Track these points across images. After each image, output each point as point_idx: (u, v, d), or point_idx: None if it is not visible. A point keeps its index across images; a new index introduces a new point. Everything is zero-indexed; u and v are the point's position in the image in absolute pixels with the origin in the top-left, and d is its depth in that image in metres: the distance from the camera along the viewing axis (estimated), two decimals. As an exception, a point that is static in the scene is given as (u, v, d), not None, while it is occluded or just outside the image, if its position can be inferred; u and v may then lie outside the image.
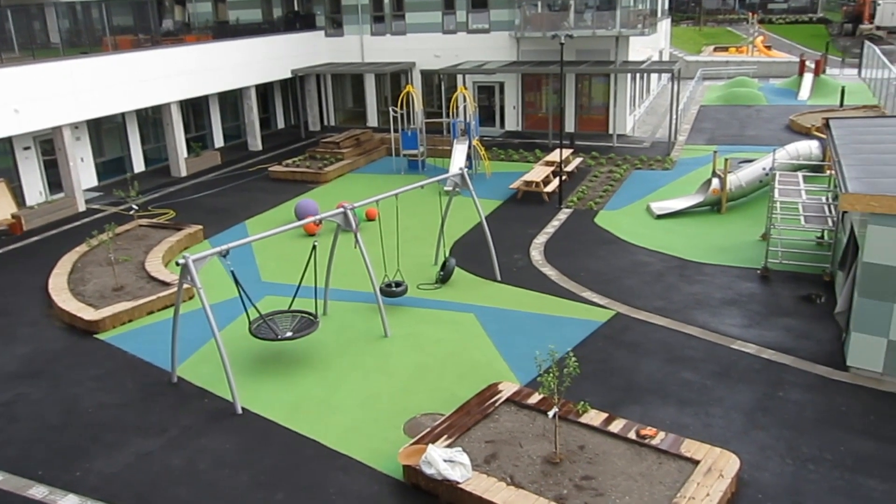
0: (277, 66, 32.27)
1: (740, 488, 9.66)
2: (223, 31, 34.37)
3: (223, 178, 27.32)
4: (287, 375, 13.06)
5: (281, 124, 36.50)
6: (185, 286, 12.20)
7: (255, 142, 31.93)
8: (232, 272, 12.32)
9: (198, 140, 30.18)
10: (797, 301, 15.28)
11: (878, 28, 68.88)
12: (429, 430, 10.72)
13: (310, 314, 13.60)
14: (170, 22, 37.25)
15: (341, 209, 13.93)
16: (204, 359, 13.64)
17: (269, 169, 27.41)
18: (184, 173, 27.82)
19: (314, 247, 13.39)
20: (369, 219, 20.87)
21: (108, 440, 11.38)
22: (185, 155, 28.13)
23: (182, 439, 11.31)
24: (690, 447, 10.05)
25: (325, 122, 36.47)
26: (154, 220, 21.36)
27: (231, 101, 32.51)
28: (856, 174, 12.82)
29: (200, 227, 20.56)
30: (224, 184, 26.52)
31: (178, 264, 11.74)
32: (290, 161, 28.27)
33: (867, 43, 46.78)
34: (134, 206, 20.27)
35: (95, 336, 14.85)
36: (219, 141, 32.03)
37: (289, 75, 33.07)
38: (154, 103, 26.25)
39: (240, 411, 11.92)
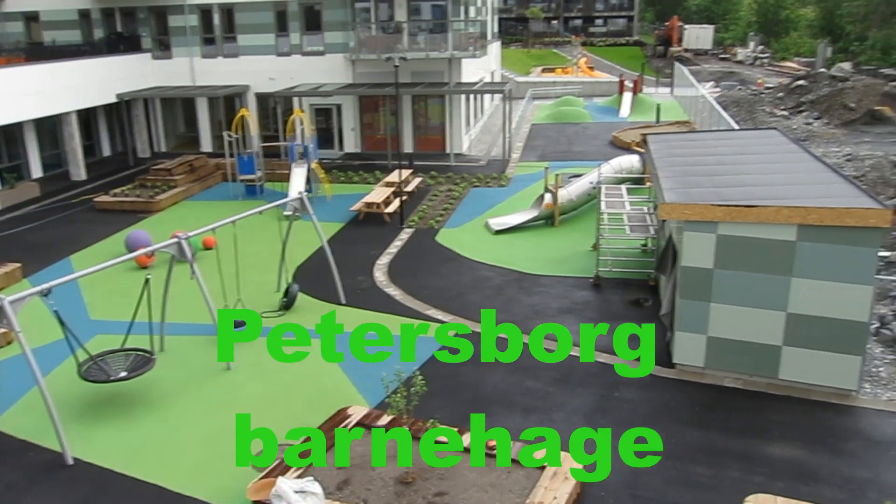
0: (100, 89, 30.54)
1: (585, 488, 10.11)
2: (38, 52, 32.15)
3: (43, 211, 25.45)
4: (123, 418, 12.32)
5: (107, 151, 34.51)
6: (2, 330, 11.25)
7: (79, 171, 30.01)
8: (56, 312, 11.50)
9: (12, 170, 27.96)
10: (627, 306, 16.26)
11: (686, 50, 75.12)
12: (279, 461, 10.47)
13: (145, 351, 12.95)
14: (-26, 44, 34.45)
15: (175, 239, 13.39)
16: (27, 408, 12.60)
17: (96, 199, 25.83)
18: (-3, 207, 25.72)
19: (147, 280, 12.79)
20: (206, 247, 20.13)
21: (-85, 507, 10.27)
22: (-2, 187, 26.06)
23: (2, 501, 10.37)
24: (537, 454, 10.40)
25: (156, 149, 34.90)
26: (-37, 260, 19.56)
27: (49, 127, 30.37)
28: (671, 185, 13.86)
29: (18, 264, 19.00)
30: (44, 217, 24.71)
31: (-8, 307, 10.81)
32: (118, 190, 26.80)
33: (677, 64, 50.90)
34: (-61, 246, 18.48)
35: None
36: (37, 171, 29.77)
37: (114, 100, 31.38)
38: (-41, 132, 24.14)
39: (71, 462, 11.11)
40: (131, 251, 17.65)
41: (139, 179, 27.84)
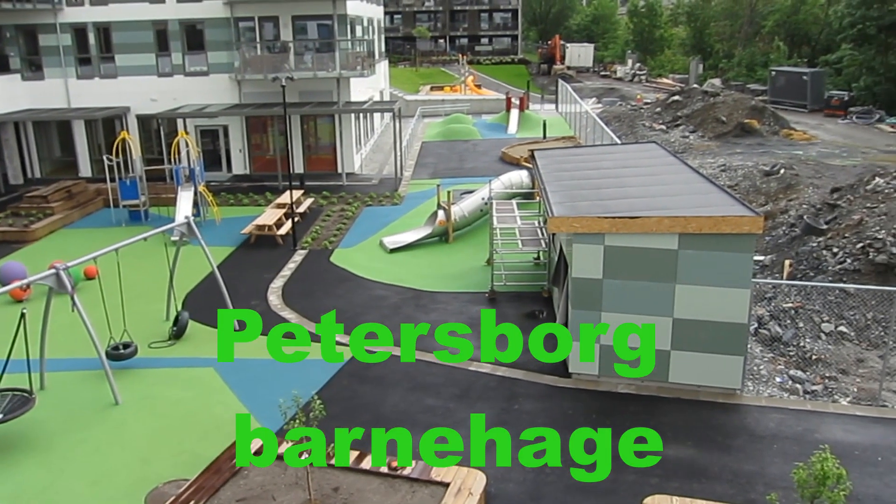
0: (-36, 114, 28.73)
1: (489, 502, 10.17)
2: None
3: None
4: (0, 464, 11.51)
5: (-26, 179, 32.41)
6: None
7: (-58, 201, 28.08)
8: (-81, 354, 10.69)
9: None
10: (522, 318, 16.53)
11: (569, 68, 77.74)
12: (173, 498, 10.02)
13: (23, 391, 12.17)
14: None
15: (53, 269, 12.70)
16: None
17: (-38, 230, 24.22)
18: None
19: (23, 314, 12.05)
20: (88, 277, 19.21)
21: None
22: None
23: None
24: (440, 471, 10.40)
25: (30, 175, 32.97)
26: None
27: None
28: (559, 199, 14.23)
29: None
30: None
31: None
32: (-13, 220, 25.25)
33: (561, 81, 52.57)
34: None
35: None
36: None
37: (-21, 124, 29.59)
38: None
39: (-59, 515, 10.31)
40: (4, 284, 16.63)
41: (11, 208, 26.30)
